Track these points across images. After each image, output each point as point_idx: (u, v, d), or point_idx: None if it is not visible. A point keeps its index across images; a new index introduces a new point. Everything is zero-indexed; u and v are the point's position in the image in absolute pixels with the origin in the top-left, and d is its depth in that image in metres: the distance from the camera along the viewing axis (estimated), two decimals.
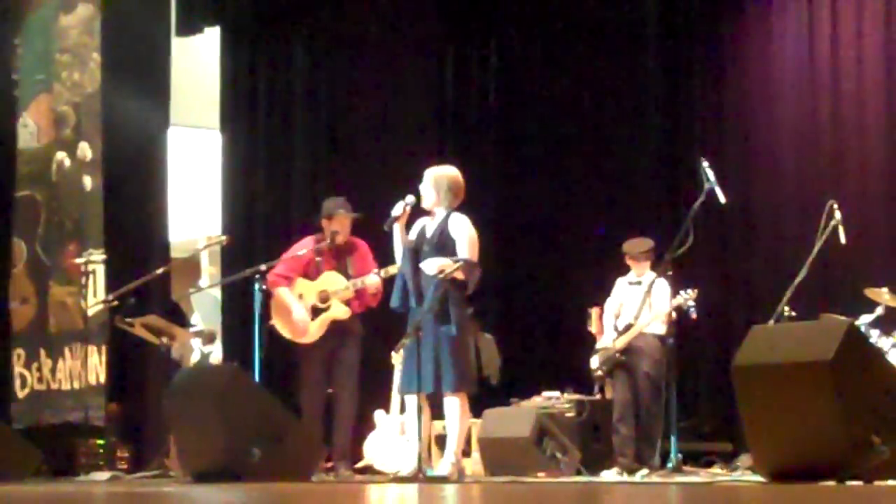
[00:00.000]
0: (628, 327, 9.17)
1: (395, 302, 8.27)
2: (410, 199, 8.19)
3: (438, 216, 8.19)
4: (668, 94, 11.45)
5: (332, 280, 8.95)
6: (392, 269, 8.62)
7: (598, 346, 9.38)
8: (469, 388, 8.25)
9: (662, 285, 9.10)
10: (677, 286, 8.85)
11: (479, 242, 8.23)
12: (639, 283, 9.28)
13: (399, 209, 8.17)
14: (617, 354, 9.16)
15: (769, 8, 10.97)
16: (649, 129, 11.46)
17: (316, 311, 8.96)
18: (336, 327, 8.93)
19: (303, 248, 9.13)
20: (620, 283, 9.44)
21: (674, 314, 8.89)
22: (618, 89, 11.60)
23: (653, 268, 9.26)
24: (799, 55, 10.75)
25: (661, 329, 9.11)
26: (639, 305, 9.14)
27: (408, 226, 8.29)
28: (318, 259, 9.00)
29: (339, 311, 8.91)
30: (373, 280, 8.83)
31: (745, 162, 10.90)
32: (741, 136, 11.00)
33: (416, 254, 8.16)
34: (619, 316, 9.34)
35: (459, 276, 7.99)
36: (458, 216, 8.18)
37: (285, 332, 9.01)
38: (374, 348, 9.18)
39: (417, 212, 8.30)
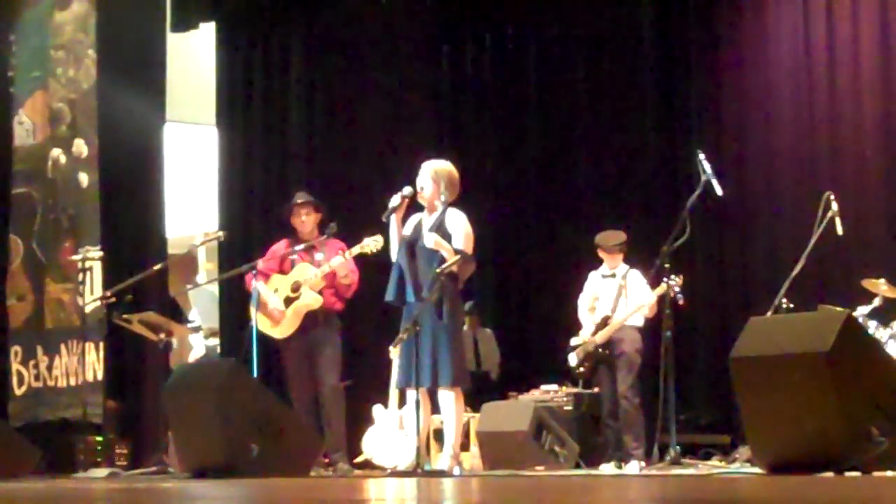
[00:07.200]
0: (605, 321, 9.15)
1: (390, 295, 8.24)
2: (408, 190, 8.17)
3: (436, 210, 8.16)
4: (665, 88, 11.42)
5: (303, 270, 9.04)
6: (356, 250, 8.67)
7: (575, 342, 9.31)
8: (465, 383, 8.24)
9: (637, 276, 9.11)
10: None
11: (477, 237, 8.22)
12: (612, 275, 9.27)
13: (397, 200, 8.16)
14: (599, 349, 9.15)
15: (765, 3, 10.96)
16: (646, 123, 11.44)
17: (289, 302, 8.99)
18: (313, 322, 8.94)
19: (277, 248, 9.23)
20: (594, 277, 9.39)
21: (655, 306, 8.87)
22: (614, 85, 11.58)
23: (625, 260, 9.26)
24: (795, 49, 10.73)
25: (640, 321, 9.12)
26: (614, 298, 9.15)
27: (404, 219, 8.27)
28: (291, 257, 9.05)
29: (310, 299, 8.93)
30: (337, 260, 8.85)
31: (742, 154, 10.88)
32: (738, 128, 10.98)
33: (412, 248, 8.14)
34: (593, 310, 9.33)
35: (454, 268, 7.96)
36: (455, 211, 8.17)
37: (265, 328, 9.03)
38: (372, 342, 9.17)
39: (411, 206, 8.27)
